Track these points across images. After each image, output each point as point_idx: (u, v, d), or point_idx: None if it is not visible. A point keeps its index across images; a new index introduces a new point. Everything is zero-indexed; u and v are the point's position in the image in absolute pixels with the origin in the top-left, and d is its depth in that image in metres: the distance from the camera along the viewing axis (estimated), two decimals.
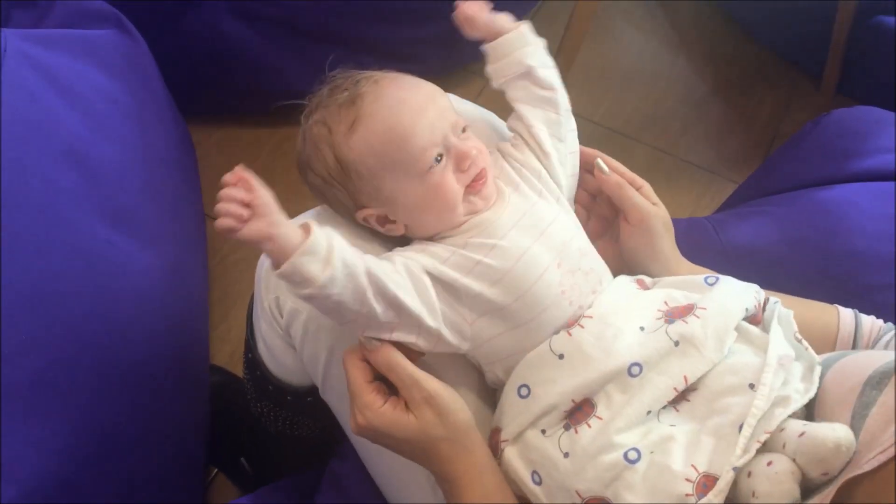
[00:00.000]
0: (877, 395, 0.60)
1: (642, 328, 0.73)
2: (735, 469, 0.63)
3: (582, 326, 0.74)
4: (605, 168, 0.85)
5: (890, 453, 0.55)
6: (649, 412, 0.70)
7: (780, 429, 0.63)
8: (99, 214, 0.99)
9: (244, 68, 1.56)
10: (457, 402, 0.72)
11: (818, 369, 0.69)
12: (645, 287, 0.81)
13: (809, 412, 0.67)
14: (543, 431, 0.72)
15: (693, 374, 0.70)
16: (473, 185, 0.77)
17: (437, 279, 0.74)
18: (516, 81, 0.83)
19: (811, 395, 0.66)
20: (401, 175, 0.75)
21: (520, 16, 0.84)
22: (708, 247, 1.05)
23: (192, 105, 1.50)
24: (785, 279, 0.90)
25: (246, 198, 0.64)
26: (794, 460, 0.60)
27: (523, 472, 0.73)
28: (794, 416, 0.65)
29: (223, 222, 0.64)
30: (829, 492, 0.58)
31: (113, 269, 0.98)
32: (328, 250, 0.67)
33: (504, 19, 0.82)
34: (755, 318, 0.76)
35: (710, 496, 0.62)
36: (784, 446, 0.62)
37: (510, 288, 0.74)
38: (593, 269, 0.78)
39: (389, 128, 0.74)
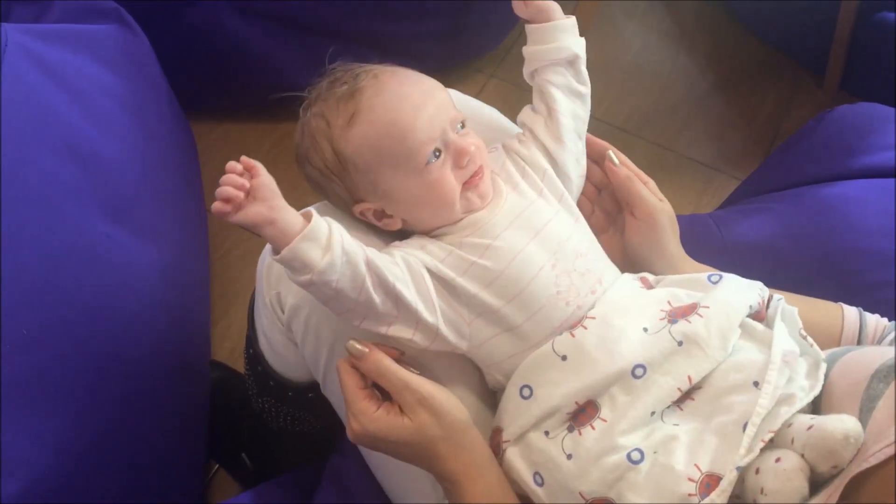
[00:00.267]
0: (884, 387, 0.60)
1: (646, 329, 0.73)
2: (738, 468, 0.62)
3: (585, 327, 0.74)
4: (616, 160, 0.85)
5: None
6: (653, 413, 0.69)
7: (788, 424, 0.63)
8: (99, 209, 0.99)
9: (245, 63, 1.56)
10: (451, 402, 0.72)
11: (823, 366, 0.68)
12: (649, 285, 0.80)
13: (816, 407, 0.67)
14: (547, 433, 0.72)
15: (697, 373, 0.70)
16: (470, 182, 0.77)
17: (435, 276, 0.74)
18: (556, 67, 0.83)
19: (816, 392, 0.66)
20: (398, 170, 0.75)
21: None
22: (710, 243, 1.05)
23: (193, 100, 1.50)
24: (787, 276, 0.90)
25: (246, 183, 0.64)
26: (802, 455, 0.60)
27: (525, 473, 0.72)
28: (800, 411, 0.65)
29: (217, 205, 0.64)
30: (837, 486, 0.58)
31: (113, 264, 0.98)
32: (328, 237, 0.67)
33: (555, 7, 0.82)
34: (759, 316, 0.76)
35: (713, 496, 0.62)
36: (793, 441, 0.62)
37: (504, 289, 0.74)
38: (590, 270, 0.78)
39: (388, 123, 0.74)
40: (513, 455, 0.74)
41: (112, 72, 1.14)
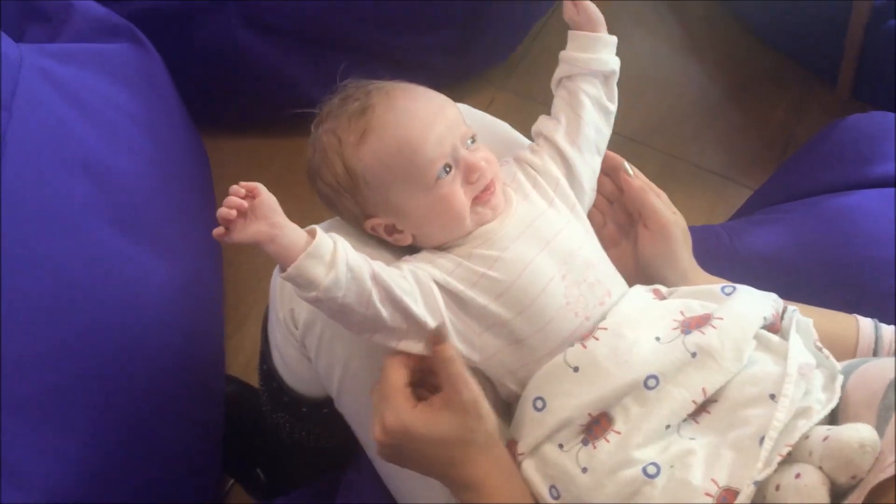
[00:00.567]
0: None
1: (658, 339, 0.73)
2: (756, 483, 0.62)
3: (597, 338, 0.74)
4: (631, 171, 0.86)
5: None
6: (668, 426, 0.69)
7: (805, 437, 0.63)
8: (113, 226, 0.99)
9: (257, 79, 1.56)
10: (489, 409, 0.72)
11: (840, 378, 0.68)
12: (661, 297, 0.80)
13: (833, 419, 0.66)
14: (561, 446, 0.72)
15: (712, 386, 0.69)
16: (481, 197, 0.77)
17: (444, 289, 0.75)
18: (591, 78, 0.84)
19: (833, 405, 0.65)
20: (409, 186, 0.76)
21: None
22: (722, 255, 1.04)
23: (205, 116, 1.51)
24: (800, 287, 0.89)
25: (244, 204, 0.65)
26: (820, 468, 0.60)
27: (541, 486, 0.72)
28: (817, 424, 0.64)
29: (215, 231, 0.65)
30: (857, 497, 0.57)
31: (128, 281, 0.99)
32: (332, 253, 0.67)
33: (603, 20, 0.84)
34: (774, 327, 0.75)
35: None
36: (810, 454, 0.61)
37: (514, 301, 0.74)
38: (599, 281, 0.78)
39: (398, 140, 0.75)
40: (528, 468, 0.74)
41: (126, 89, 1.15)
